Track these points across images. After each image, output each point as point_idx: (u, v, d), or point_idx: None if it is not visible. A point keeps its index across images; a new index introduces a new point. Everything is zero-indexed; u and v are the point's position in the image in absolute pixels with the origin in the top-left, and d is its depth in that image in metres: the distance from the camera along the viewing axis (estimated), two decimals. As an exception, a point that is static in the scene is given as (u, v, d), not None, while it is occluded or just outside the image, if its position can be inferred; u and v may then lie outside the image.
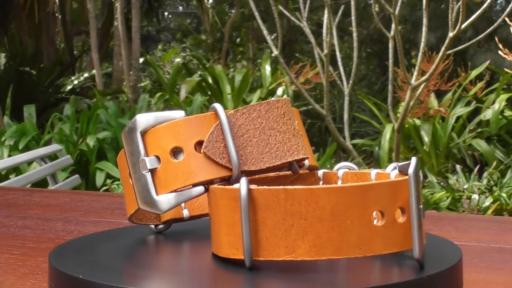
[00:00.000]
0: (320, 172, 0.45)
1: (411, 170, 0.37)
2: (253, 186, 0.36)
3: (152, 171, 0.40)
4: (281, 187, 0.36)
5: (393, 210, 0.37)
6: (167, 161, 0.40)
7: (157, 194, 0.40)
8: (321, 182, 0.46)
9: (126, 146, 0.41)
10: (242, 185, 0.36)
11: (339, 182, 0.45)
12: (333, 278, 0.37)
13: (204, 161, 0.39)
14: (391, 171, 0.41)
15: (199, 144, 0.40)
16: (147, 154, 0.40)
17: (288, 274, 0.37)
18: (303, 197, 0.36)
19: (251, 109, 0.40)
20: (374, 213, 0.36)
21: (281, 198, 0.36)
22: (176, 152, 0.40)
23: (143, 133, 0.40)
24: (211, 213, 0.39)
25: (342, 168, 0.45)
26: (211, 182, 0.40)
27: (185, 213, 0.48)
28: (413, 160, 0.38)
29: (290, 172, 0.43)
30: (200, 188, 0.40)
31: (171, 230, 0.48)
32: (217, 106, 0.40)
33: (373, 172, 0.44)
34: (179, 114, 0.41)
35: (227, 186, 0.38)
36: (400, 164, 0.40)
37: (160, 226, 0.48)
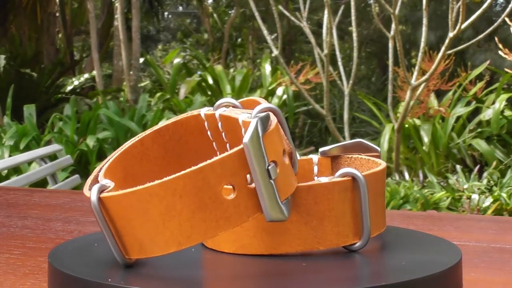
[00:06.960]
0: None
1: (380, 149, 0.46)
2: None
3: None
4: (375, 170, 0.40)
5: None
6: (283, 165, 0.37)
7: (281, 201, 0.36)
8: None
9: (256, 152, 0.35)
10: (357, 174, 0.38)
11: None
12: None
13: (289, 162, 0.38)
14: (309, 157, 0.48)
15: None
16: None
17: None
18: (384, 178, 0.41)
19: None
20: None
21: (381, 181, 0.40)
22: (284, 155, 0.37)
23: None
24: (296, 214, 0.38)
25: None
26: None
27: None
28: (364, 141, 0.46)
29: None
30: None
31: None
32: (275, 107, 0.38)
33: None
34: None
35: (328, 180, 0.38)
36: (325, 149, 0.47)
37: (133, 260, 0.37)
